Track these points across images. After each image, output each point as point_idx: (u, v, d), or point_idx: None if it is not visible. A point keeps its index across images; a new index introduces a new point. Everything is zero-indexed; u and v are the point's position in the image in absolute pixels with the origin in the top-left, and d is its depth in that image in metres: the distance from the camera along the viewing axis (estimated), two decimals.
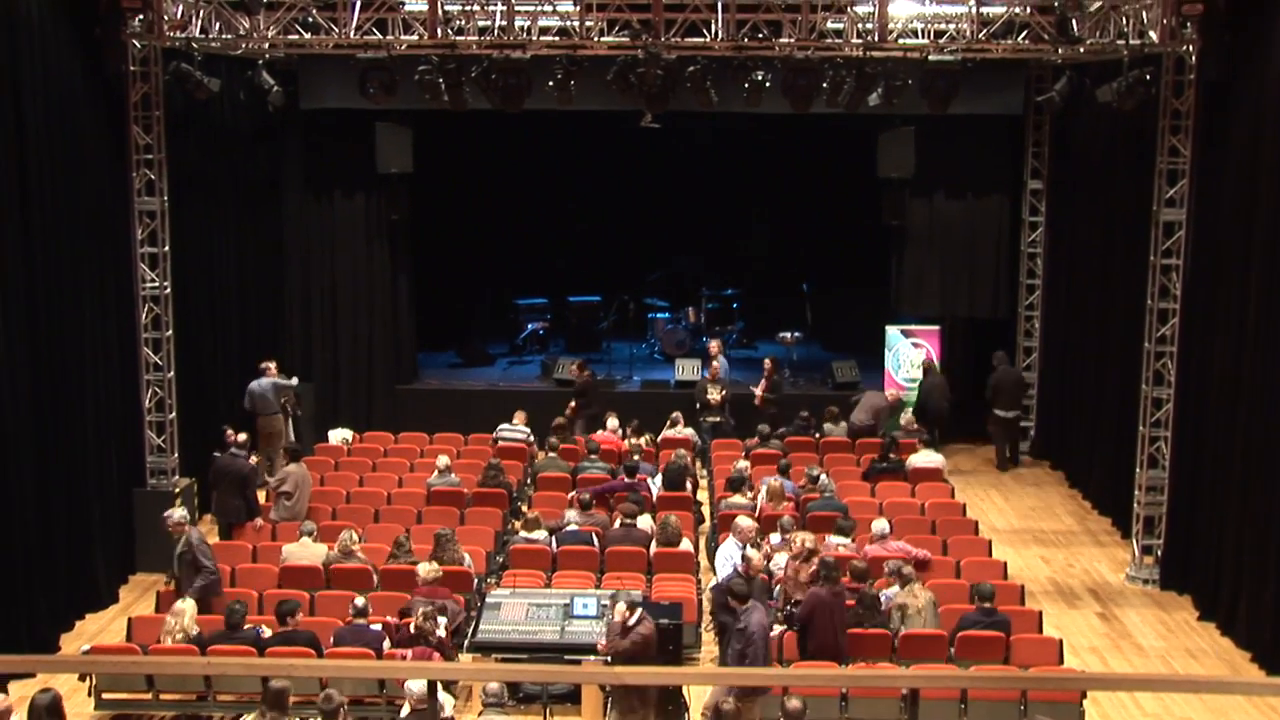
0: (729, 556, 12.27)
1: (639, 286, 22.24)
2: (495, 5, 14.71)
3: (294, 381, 17.31)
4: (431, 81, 14.76)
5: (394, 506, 14.73)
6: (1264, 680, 12.04)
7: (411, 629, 11.30)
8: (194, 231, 16.29)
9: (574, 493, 14.79)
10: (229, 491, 14.48)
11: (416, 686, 10.08)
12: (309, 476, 14.80)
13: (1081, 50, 15.11)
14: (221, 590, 12.58)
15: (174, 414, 15.33)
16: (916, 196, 19.09)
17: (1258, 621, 12.93)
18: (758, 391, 18.18)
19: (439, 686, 10.22)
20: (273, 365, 17.37)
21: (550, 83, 14.85)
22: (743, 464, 15.50)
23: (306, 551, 13.10)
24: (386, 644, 11.39)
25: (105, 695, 11.36)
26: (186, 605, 11.56)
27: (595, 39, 14.62)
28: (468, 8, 14.88)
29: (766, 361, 18.53)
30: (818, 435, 17.14)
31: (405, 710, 10.32)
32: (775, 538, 13.31)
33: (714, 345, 18.70)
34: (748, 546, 12.23)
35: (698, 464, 17.01)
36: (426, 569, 12.01)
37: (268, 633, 11.48)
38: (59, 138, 13.43)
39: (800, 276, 21.67)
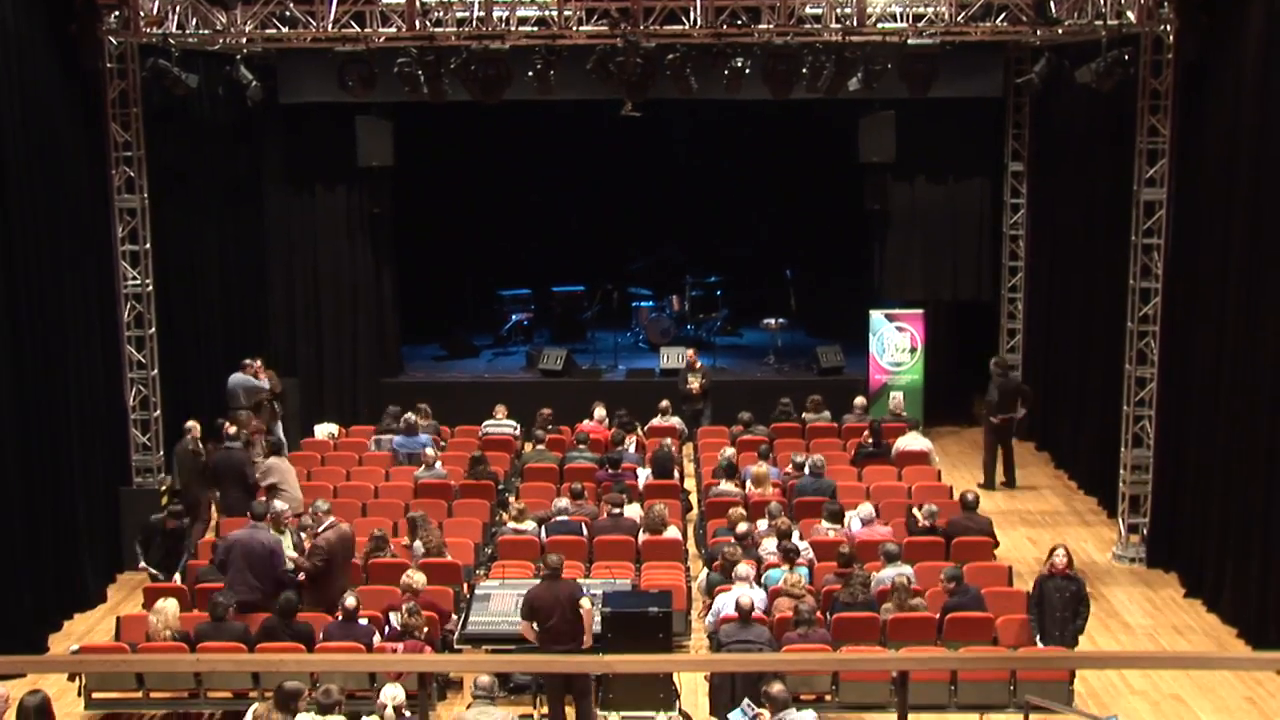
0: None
1: (622, 275, 22.24)
2: None
3: (264, 383, 17.10)
4: (411, 74, 14.72)
5: (381, 500, 14.71)
6: (1250, 655, 12.11)
7: (399, 625, 11.31)
8: (175, 228, 16.24)
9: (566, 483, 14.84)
10: (231, 484, 14.44)
11: (391, 692, 10.03)
12: (291, 468, 14.74)
13: (1060, 32, 15.14)
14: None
15: (158, 412, 15.28)
16: (898, 180, 19.12)
17: (1243, 597, 13.01)
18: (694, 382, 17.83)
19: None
20: (257, 363, 17.35)
21: (529, 73, 14.82)
22: (729, 451, 15.50)
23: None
24: (377, 638, 11.39)
25: (95, 695, 11.32)
26: (168, 604, 11.52)
27: (574, 28, 14.60)
28: None
29: (689, 353, 18.32)
30: (801, 420, 17.15)
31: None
32: (763, 524, 13.35)
33: (690, 354, 18.31)
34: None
35: (684, 451, 17.04)
36: (408, 578, 11.94)
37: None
38: (36, 136, 13.35)
39: (783, 263, 21.69)
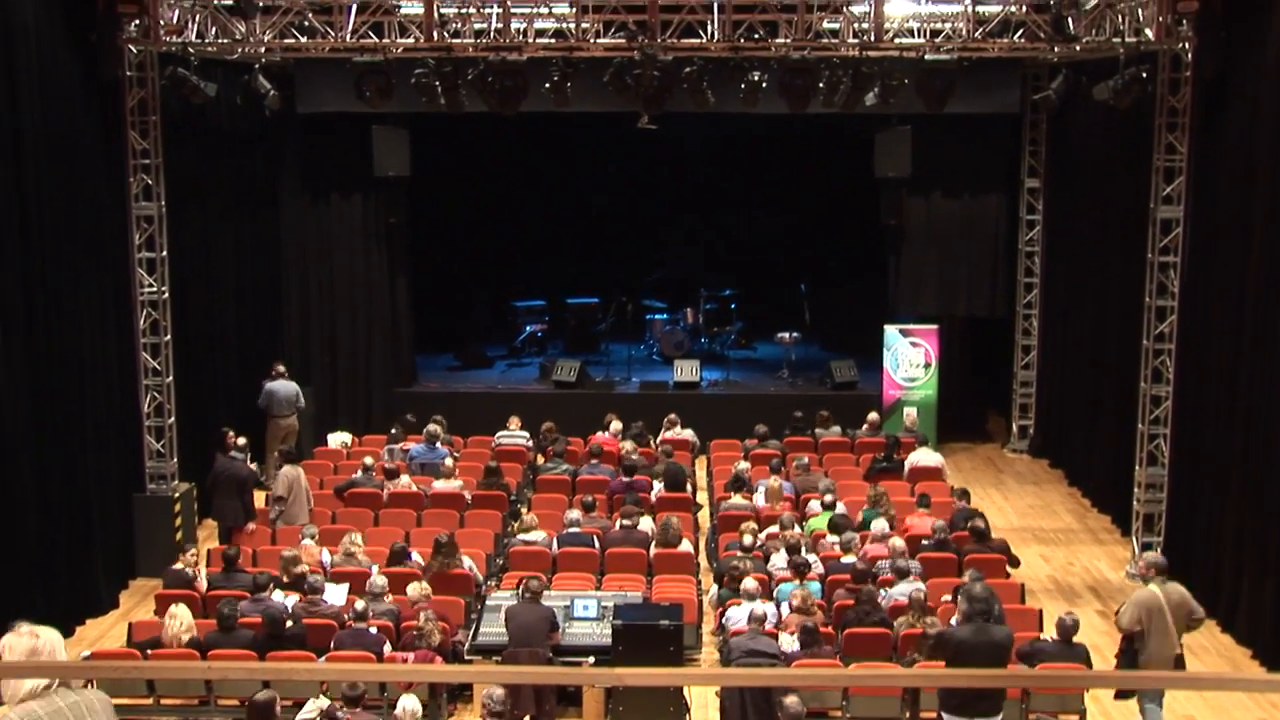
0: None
1: (637, 288, 22.25)
2: (491, 8, 14.71)
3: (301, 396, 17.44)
4: (428, 84, 14.76)
5: (393, 509, 14.72)
6: (1265, 677, 11.99)
7: (414, 633, 11.33)
8: (192, 236, 16.29)
9: (578, 495, 14.84)
10: (227, 495, 14.48)
11: (409, 704, 10.03)
12: (304, 479, 14.77)
13: (1077, 48, 15.12)
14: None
15: (173, 419, 15.32)
16: (914, 196, 19.11)
17: (1258, 618, 12.93)
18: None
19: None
20: (284, 370, 17.51)
21: (546, 85, 14.85)
22: (743, 465, 15.51)
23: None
24: (387, 647, 11.39)
25: None
26: (181, 609, 11.55)
27: (591, 41, 14.62)
28: (464, 10, 14.88)
29: None
30: (813, 434, 17.12)
31: None
32: (779, 533, 13.36)
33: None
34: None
35: (696, 465, 17.03)
36: (415, 589, 11.98)
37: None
38: (56, 144, 13.41)
39: (798, 276, 21.69)
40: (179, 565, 12.82)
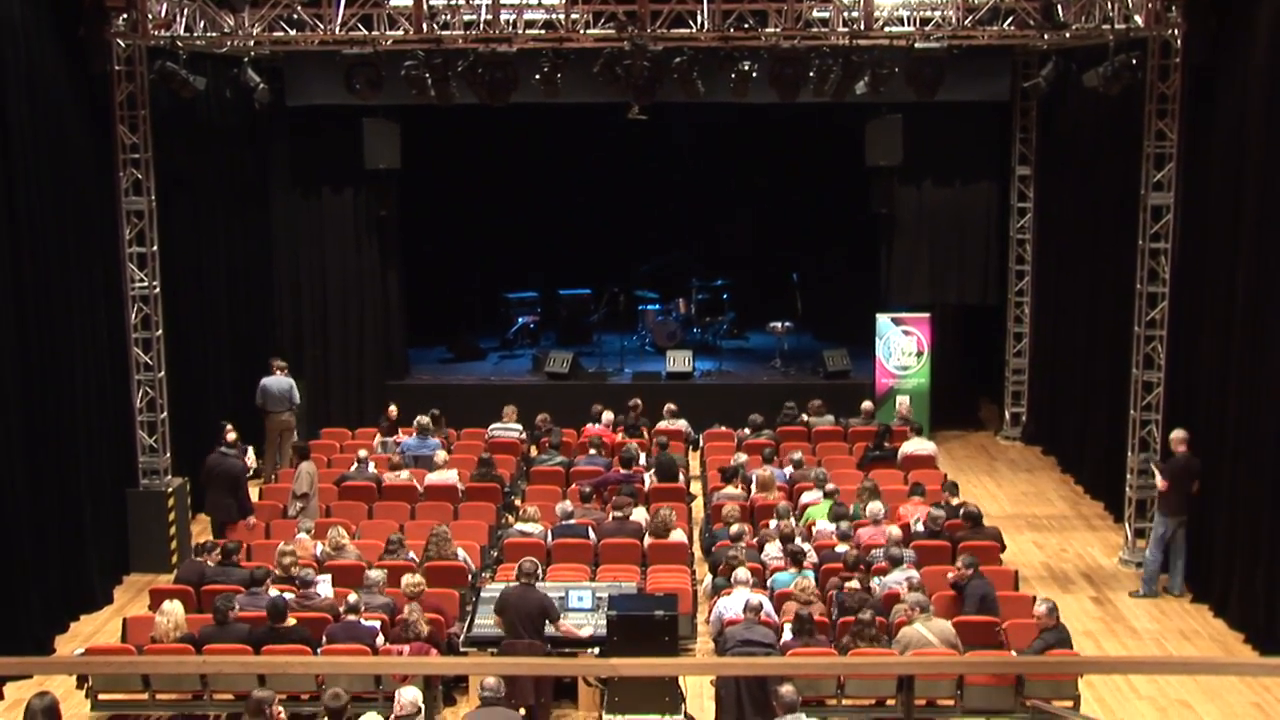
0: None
1: (629, 278, 22.25)
2: None
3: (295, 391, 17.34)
4: (418, 76, 14.74)
5: (387, 502, 14.72)
6: (1257, 661, 12.07)
7: (400, 628, 11.34)
8: (182, 230, 16.27)
9: (574, 485, 14.84)
10: (221, 491, 14.47)
11: (407, 694, 10.05)
12: (316, 473, 14.77)
13: (1067, 35, 15.13)
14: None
15: (165, 414, 15.30)
16: (905, 184, 19.11)
17: (1250, 603, 12.97)
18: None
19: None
20: (284, 365, 17.48)
21: (537, 76, 14.84)
22: (743, 458, 15.48)
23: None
24: (381, 640, 11.39)
25: (102, 696, 11.34)
26: (175, 605, 11.54)
27: (581, 31, 14.62)
28: (453, 2, 14.85)
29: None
30: (805, 423, 17.13)
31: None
32: (774, 523, 13.36)
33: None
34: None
35: (689, 454, 17.04)
36: (409, 580, 11.97)
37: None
38: (44, 139, 13.38)
39: (789, 266, 21.69)
40: (200, 559, 12.79)
